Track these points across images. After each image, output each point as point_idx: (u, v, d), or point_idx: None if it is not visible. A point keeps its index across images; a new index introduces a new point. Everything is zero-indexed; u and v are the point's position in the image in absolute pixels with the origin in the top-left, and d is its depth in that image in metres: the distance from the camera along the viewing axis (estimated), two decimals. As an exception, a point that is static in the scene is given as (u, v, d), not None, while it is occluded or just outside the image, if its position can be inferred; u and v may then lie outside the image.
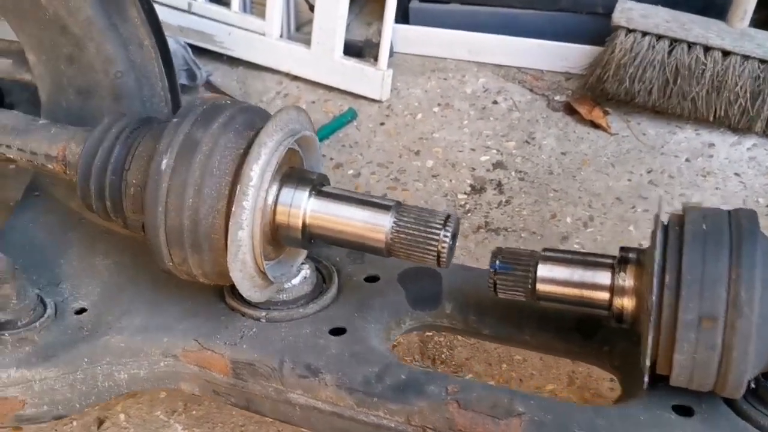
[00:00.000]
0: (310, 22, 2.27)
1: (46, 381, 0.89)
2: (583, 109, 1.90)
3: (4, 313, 0.88)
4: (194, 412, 1.25)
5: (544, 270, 0.86)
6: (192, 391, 0.95)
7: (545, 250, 0.88)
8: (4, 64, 1.22)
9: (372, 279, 1.04)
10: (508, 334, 1.00)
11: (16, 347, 0.90)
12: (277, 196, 0.88)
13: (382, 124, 1.96)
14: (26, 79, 1.15)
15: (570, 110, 1.93)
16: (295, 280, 0.98)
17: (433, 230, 0.85)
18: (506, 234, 1.62)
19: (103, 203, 0.93)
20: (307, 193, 0.88)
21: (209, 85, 2.12)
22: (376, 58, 2.02)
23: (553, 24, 2.04)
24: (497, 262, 0.88)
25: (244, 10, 2.22)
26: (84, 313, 0.97)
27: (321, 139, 1.91)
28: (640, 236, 1.59)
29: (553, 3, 2.05)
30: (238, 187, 0.81)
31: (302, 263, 0.99)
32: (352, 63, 2.02)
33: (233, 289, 0.94)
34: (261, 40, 2.14)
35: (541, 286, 0.86)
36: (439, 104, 2.01)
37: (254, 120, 0.89)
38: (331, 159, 1.86)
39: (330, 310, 0.98)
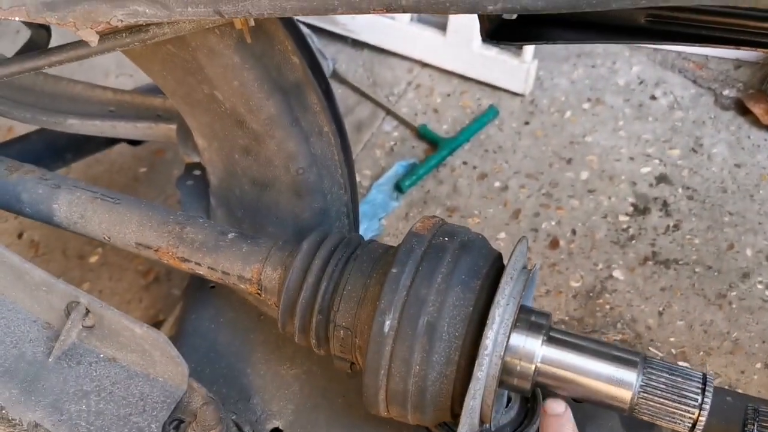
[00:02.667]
0: None
1: None
2: (758, 109, 1.69)
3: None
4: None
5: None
6: None
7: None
8: (164, 129, 1.14)
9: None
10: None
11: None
12: (507, 344, 0.78)
13: (526, 123, 1.81)
14: (193, 161, 1.07)
15: (742, 109, 1.72)
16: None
17: (690, 397, 0.74)
18: (677, 268, 1.48)
19: (307, 338, 0.85)
20: (539, 341, 0.78)
21: (336, 75, 1.99)
22: (519, 47, 1.84)
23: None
24: (755, 428, 0.78)
25: (371, -12, 2.05)
26: (281, 436, 0.93)
27: (462, 143, 1.78)
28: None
29: (724, -20, 1.80)
30: (476, 361, 0.73)
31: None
32: (494, 53, 1.85)
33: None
34: (390, 23, 1.98)
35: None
36: (588, 99, 1.83)
37: (478, 263, 0.79)
38: (474, 167, 1.73)
39: (542, 441, 0.90)
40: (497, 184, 1.70)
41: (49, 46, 0.89)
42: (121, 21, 0.68)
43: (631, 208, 1.60)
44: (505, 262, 0.82)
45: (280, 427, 0.94)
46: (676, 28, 0.79)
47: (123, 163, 1.87)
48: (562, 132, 1.77)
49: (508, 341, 0.76)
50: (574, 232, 1.58)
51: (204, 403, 0.84)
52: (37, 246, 1.69)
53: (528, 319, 0.80)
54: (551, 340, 0.79)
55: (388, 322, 0.75)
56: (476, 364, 0.73)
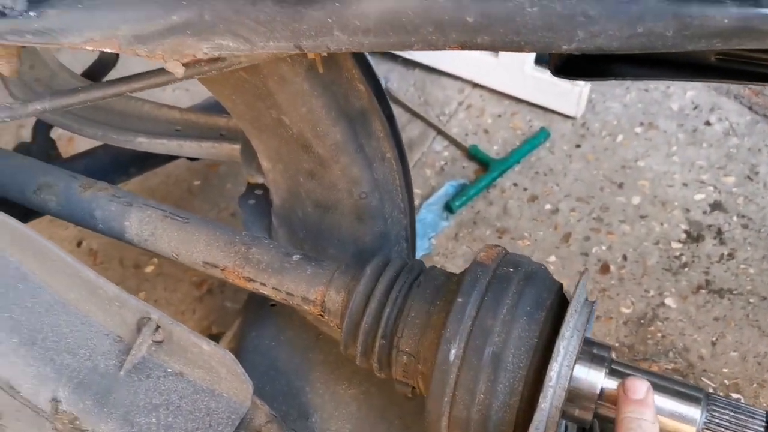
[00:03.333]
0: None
1: None
2: (816, 138, 1.67)
3: (274, 477, 0.86)
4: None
5: None
6: None
7: None
8: (227, 149, 1.17)
9: None
10: None
11: None
12: (571, 376, 0.79)
13: (578, 146, 1.81)
14: (256, 182, 1.10)
15: (800, 138, 1.70)
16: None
17: (754, 436, 0.74)
18: (731, 297, 1.47)
19: (369, 361, 0.87)
20: (602, 373, 0.79)
21: (387, 94, 2.02)
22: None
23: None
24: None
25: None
26: (338, 456, 0.94)
27: (512, 164, 1.79)
28: None
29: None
30: (541, 392, 0.73)
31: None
32: (546, 76, 1.85)
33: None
34: (442, 43, 1.99)
35: None
36: (641, 123, 1.82)
37: (542, 294, 0.80)
38: (525, 189, 1.74)
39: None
40: (548, 206, 1.70)
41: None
42: (206, 54, 0.71)
43: (684, 235, 1.59)
44: (564, 291, 0.84)
45: (338, 447, 0.96)
46: (746, 67, 0.79)
47: (178, 176, 1.92)
48: (614, 156, 1.77)
49: (572, 373, 0.77)
50: (625, 257, 1.57)
51: (268, 421, 0.86)
52: (96, 255, 1.74)
53: (590, 352, 0.80)
54: (613, 373, 0.80)
55: (453, 351, 0.77)
56: (541, 396, 0.74)
